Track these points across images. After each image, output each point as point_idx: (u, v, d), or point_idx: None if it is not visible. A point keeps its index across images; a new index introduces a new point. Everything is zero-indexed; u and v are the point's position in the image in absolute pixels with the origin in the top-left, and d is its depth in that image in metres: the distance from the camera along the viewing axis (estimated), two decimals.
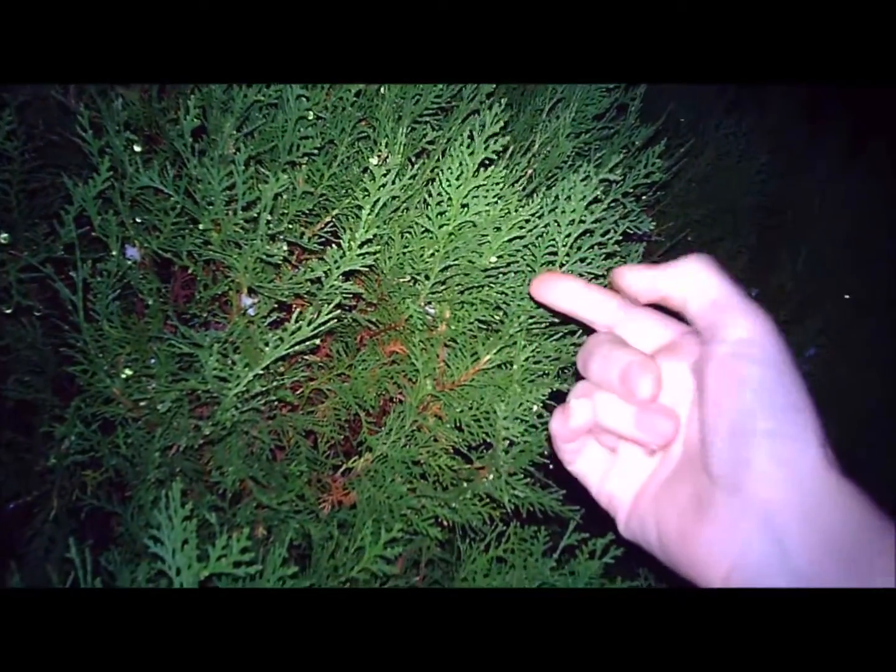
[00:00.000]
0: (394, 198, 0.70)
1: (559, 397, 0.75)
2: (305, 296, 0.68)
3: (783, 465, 0.38)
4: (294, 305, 0.73)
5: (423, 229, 0.69)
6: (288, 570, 0.57)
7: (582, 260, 0.73)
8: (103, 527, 0.77)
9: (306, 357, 0.76)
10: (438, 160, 0.74)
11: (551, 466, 0.73)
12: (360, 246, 0.65)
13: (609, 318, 0.49)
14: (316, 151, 0.68)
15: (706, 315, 0.43)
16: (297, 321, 0.61)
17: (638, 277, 0.47)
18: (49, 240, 0.64)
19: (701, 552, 0.40)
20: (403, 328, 0.75)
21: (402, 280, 0.73)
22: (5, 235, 0.63)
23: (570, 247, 0.72)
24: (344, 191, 0.74)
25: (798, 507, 0.37)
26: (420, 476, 0.75)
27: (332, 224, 0.75)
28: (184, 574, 0.55)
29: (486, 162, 0.66)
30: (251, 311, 0.66)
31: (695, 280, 0.44)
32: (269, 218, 0.63)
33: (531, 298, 0.62)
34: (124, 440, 0.64)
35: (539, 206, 0.68)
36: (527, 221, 0.69)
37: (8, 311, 0.64)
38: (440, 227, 0.67)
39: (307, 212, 0.71)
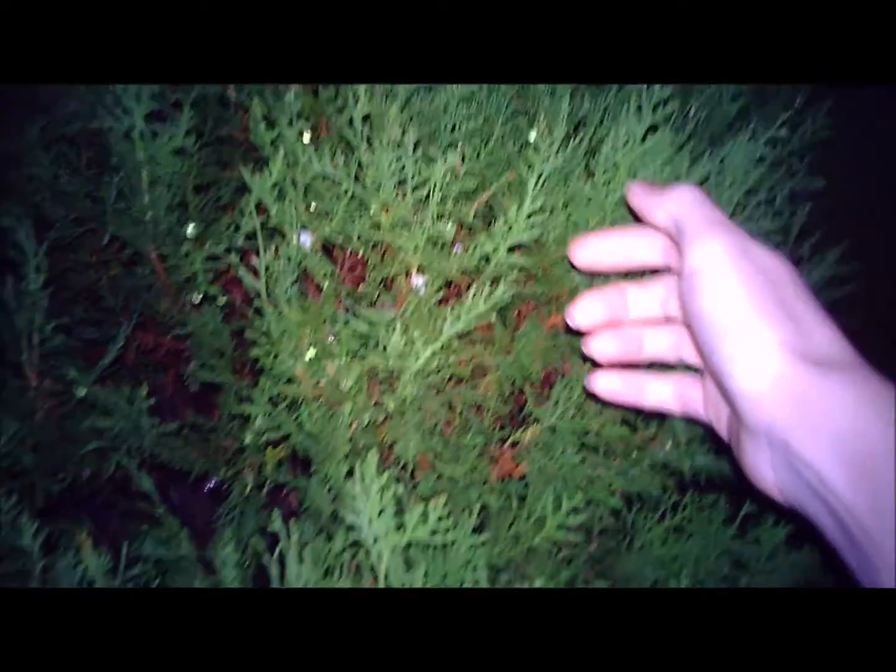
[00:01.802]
0: (556, 170, 0.70)
1: None
2: (474, 272, 0.69)
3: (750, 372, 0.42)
4: (455, 283, 0.75)
5: (587, 199, 0.69)
6: (479, 539, 0.58)
7: (747, 220, 0.71)
8: (282, 503, 0.81)
9: (470, 333, 0.77)
10: (596, 130, 0.74)
11: None
12: (527, 219, 0.65)
13: (661, 257, 0.53)
14: (478, 130, 0.69)
15: (679, 243, 0.48)
16: (473, 297, 0.63)
17: (639, 200, 0.54)
18: (230, 230, 0.67)
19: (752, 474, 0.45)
20: (567, 300, 0.75)
21: (566, 252, 0.73)
22: (192, 229, 0.66)
23: (736, 206, 0.70)
24: (501, 167, 0.74)
25: (790, 414, 0.40)
26: (591, 447, 0.75)
27: (488, 202, 0.76)
28: (381, 542, 0.57)
29: (652, 129, 0.66)
30: (422, 290, 0.68)
31: (675, 207, 0.49)
32: (443, 197, 0.65)
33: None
34: (308, 418, 0.67)
35: (707, 170, 0.67)
36: None
37: (196, 302, 0.68)
38: (606, 195, 0.67)
39: (468, 191, 0.72)
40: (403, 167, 0.65)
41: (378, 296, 0.71)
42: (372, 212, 0.66)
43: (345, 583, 0.57)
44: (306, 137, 0.66)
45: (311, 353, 0.65)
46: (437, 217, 0.66)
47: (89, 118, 0.72)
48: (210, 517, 0.80)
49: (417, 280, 0.69)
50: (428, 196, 0.66)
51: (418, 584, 0.56)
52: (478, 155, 0.73)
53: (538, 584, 0.53)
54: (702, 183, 0.69)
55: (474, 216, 0.72)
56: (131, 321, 0.80)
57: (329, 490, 0.71)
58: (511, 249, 0.67)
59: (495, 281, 0.65)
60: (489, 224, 0.74)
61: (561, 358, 0.78)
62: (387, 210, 0.67)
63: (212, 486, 0.71)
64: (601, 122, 0.75)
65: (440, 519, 0.55)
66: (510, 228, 0.65)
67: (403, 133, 0.66)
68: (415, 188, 0.66)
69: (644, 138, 0.65)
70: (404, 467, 0.69)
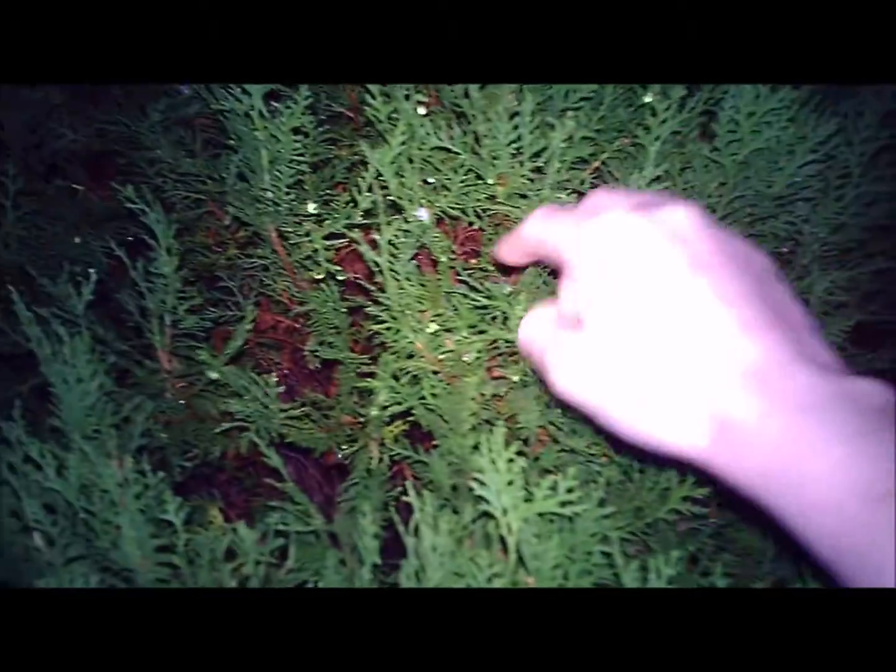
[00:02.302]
0: (674, 132, 0.68)
1: (862, 329, 0.71)
2: None
3: None
4: None
5: (706, 162, 0.67)
6: (605, 510, 0.58)
7: (878, 179, 0.68)
8: (397, 476, 0.82)
9: None
10: (713, 90, 0.71)
11: None
12: (648, 185, 0.64)
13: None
14: (592, 95, 0.67)
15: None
16: None
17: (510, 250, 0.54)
18: (348, 207, 0.68)
19: None
20: None
21: None
22: (313, 206, 0.67)
23: (866, 165, 0.67)
24: (613, 133, 0.73)
25: None
26: None
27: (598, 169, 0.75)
28: (510, 514, 0.57)
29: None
30: None
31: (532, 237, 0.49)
32: (559, 165, 0.64)
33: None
34: (430, 392, 0.67)
35: (835, 126, 0.65)
36: (821, 143, 0.65)
37: (319, 277, 0.69)
38: (730, 155, 0.65)
39: (582, 158, 0.71)
40: (520, 136, 0.64)
41: (493, 270, 0.71)
42: (490, 182, 0.66)
43: (476, 553, 0.58)
44: (421, 110, 0.66)
45: (432, 327, 0.66)
46: (556, 185, 0.65)
47: (206, 100, 0.73)
48: (331, 493, 0.82)
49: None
50: (544, 165, 0.65)
51: (552, 555, 0.56)
52: (588, 120, 0.72)
53: (663, 560, 0.52)
54: (827, 140, 0.66)
55: (587, 184, 0.71)
56: (249, 300, 0.82)
57: (449, 464, 0.72)
58: None
59: None
60: None
61: None
62: (503, 181, 0.67)
63: (335, 461, 0.72)
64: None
65: (569, 490, 0.54)
66: None
67: (519, 102, 0.65)
68: (531, 157, 0.65)
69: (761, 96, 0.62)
70: (526, 441, 0.68)
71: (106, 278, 0.76)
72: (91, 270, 0.62)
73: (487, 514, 0.61)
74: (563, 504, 0.55)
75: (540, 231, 0.47)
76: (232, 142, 0.70)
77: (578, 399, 0.43)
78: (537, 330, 0.47)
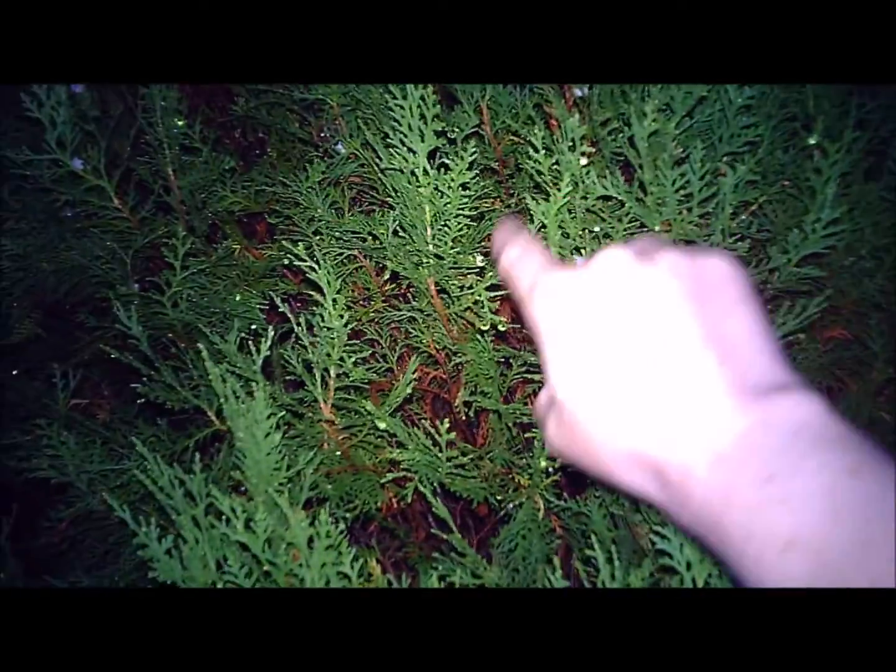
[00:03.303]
0: (844, 174, 0.67)
1: None
2: (760, 286, 0.67)
3: None
4: None
5: (885, 206, 0.65)
6: None
7: None
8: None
9: None
10: (878, 128, 0.70)
11: None
12: (825, 227, 0.62)
13: None
14: (759, 139, 0.67)
15: None
16: (784, 314, 0.61)
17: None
18: None
19: None
20: (852, 311, 0.72)
21: (850, 260, 0.69)
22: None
23: None
24: (774, 176, 0.72)
25: None
26: None
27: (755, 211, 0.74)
28: (695, 569, 0.56)
29: None
30: None
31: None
32: (730, 210, 0.63)
33: None
34: None
35: None
36: None
37: (484, 328, 0.69)
38: None
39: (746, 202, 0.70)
40: (688, 182, 0.64)
41: None
42: (657, 229, 0.65)
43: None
44: (583, 161, 0.66)
45: None
46: (726, 232, 0.65)
47: (363, 159, 0.75)
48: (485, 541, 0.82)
49: None
50: (713, 210, 0.64)
51: None
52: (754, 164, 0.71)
53: None
54: None
55: (755, 227, 0.70)
56: (395, 352, 0.83)
57: (604, 515, 0.71)
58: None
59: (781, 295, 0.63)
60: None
61: (844, 373, 0.74)
62: (668, 227, 0.66)
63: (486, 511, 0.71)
64: (883, 120, 0.71)
65: None
66: (806, 238, 0.63)
67: (684, 149, 0.65)
68: (700, 203, 0.64)
69: None
70: None
71: (263, 333, 0.78)
72: (269, 327, 0.63)
73: (669, 569, 0.59)
74: None
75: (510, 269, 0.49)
76: (390, 199, 0.72)
77: (568, 458, 0.44)
78: (539, 405, 0.49)
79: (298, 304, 0.92)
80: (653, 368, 0.38)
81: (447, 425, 0.63)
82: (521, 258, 0.47)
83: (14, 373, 0.96)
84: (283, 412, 0.71)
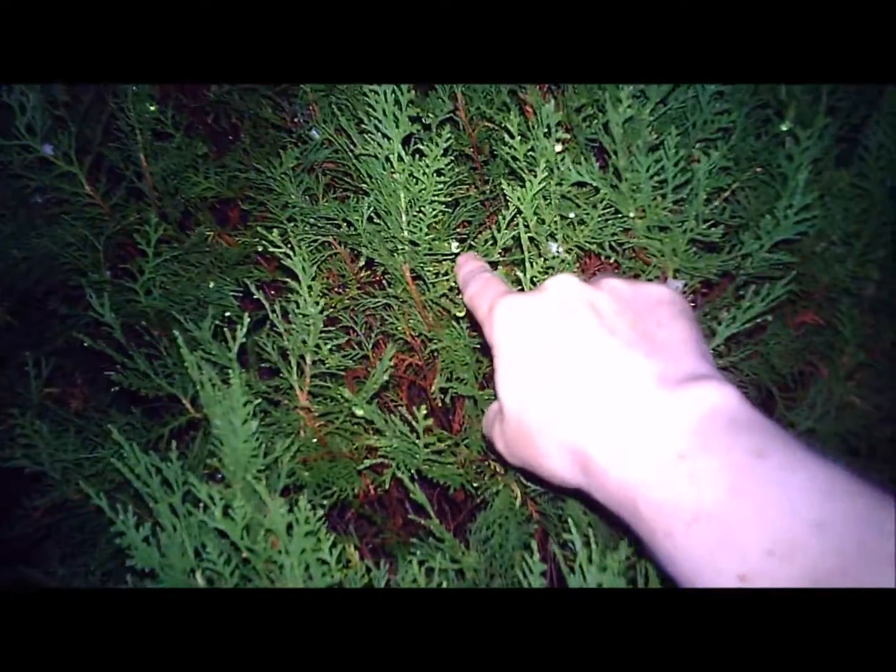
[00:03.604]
0: (815, 160, 0.68)
1: None
2: (733, 271, 0.68)
3: None
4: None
5: (856, 192, 0.66)
6: None
7: None
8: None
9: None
10: (850, 115, 0.71)
11: None
12: (796, 213, 0.63)
13: None
14: (732, 125, 0.67)
15: None
16: (750, 298, 0.61)
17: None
18: (487, 245, 0.68)
19: None
20: (823, 297, 0.72)
21: (821, 246, 0.70)
22: (456, 245, 0.67)
23: None
24: (747, 162, 0.72)
25: None
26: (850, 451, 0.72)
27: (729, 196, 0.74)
28: None
29: None
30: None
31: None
32: (704, 196, 0.63)
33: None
34: None
35: None
36: None
37: (460, 315, 0.69)
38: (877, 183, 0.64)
39: (720, 188, 0.70)
40: (663, 168, 0.64)
41: None
42: (632, 215, 0.66)
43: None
44: (558, 147, 0.66)
45: None
46: (700, 217, 0.65)
47: (337, 145, 0.75)
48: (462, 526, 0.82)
49: (675, 283, 0.68)
50: (686, 196, 0.65)
51: None
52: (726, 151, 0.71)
53: None
54: None
55: (727, 213, 0.71)
56: (370, 339, 0.83)
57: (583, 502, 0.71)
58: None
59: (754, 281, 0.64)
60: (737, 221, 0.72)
61: (816, 358, 0.76)
62: (643, 213, 0.67)
63: (463, 497, 0.71)
64: (854, 107, 0.72)
65: None
66: (777, 224, 0.63)
67: (658, 136, 0.65)
68: (675, 189, 0.65)
69: None
70: None
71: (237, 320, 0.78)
72: (245, 314, 0.63)
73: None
74: None
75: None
76: (365, 185, 0.71)
77: (511, 459, 0.49)
78: (486, 418, 0.55)
79: (273, 292, 0.91)
80: (586, 369, 0.42)
81: (424, 412, 0.64)
82: (481, 289, 0.53)
83: None
84: (260, 400, 0.70)
